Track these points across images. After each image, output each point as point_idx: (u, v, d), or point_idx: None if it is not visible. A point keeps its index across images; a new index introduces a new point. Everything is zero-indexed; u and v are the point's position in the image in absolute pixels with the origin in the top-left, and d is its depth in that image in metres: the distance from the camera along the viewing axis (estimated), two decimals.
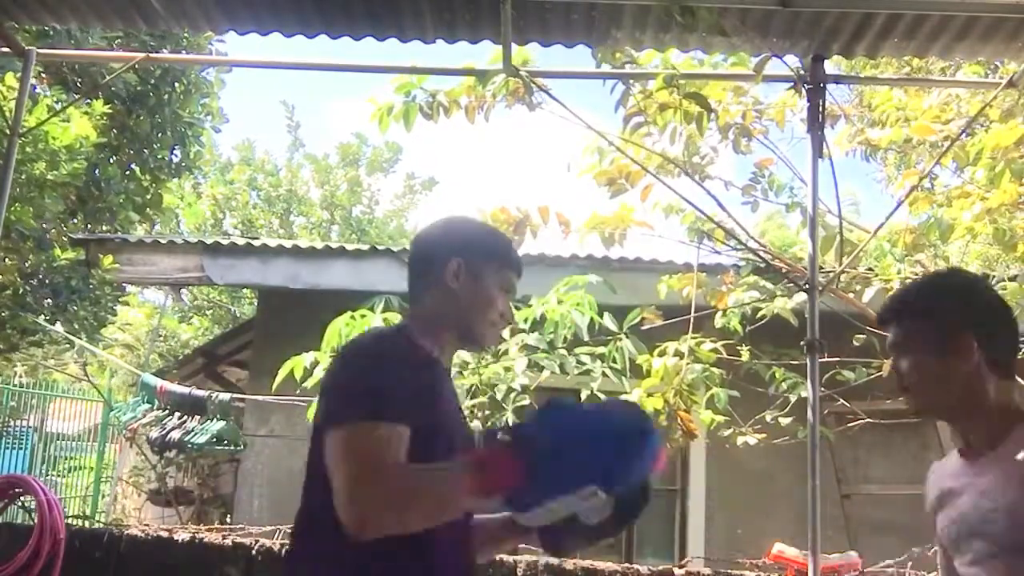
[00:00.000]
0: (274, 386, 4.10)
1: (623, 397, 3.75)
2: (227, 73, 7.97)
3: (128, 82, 6.51)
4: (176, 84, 7.11)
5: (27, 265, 5.23)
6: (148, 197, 7.23)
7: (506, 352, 3.77)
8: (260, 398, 5.79)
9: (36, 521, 4.14)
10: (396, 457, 1.30)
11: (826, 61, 3.33)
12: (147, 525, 5.78)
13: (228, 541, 4.30)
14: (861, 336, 3.95)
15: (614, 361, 3.75)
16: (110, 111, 5.93)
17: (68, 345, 7.18)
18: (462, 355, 3.61)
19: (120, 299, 6.49)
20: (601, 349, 3.81)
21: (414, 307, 1.61)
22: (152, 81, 6.90)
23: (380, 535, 1.25)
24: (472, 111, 3.62)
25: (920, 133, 4.08)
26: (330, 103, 35.97)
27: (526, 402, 3.75)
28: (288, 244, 6.63)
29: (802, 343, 3.20)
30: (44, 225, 5.33)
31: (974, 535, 1.41)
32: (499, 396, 3.74)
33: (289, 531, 1.49)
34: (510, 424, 1.38)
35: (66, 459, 10.04)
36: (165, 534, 4.43)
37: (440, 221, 1.72)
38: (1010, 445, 1.37)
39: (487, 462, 1.26)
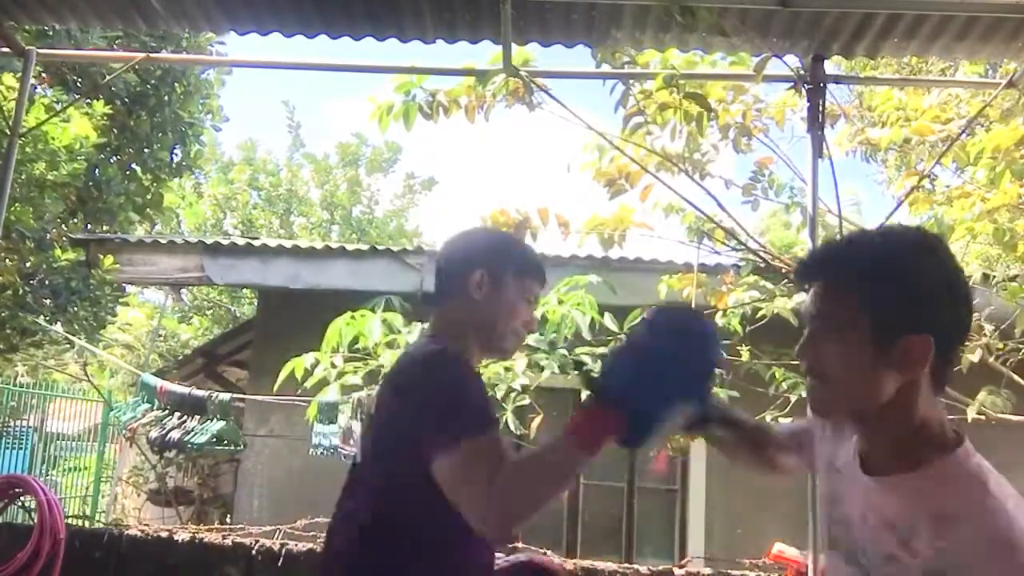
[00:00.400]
0: (275, 387, 4.10)
1: None
2: (227, 74, 7.97)
3: (128, 82, 6.51)
4: (176, 84, 7.12)
5: (27, 266, 5.23)
6: (148, 197, 7.23)
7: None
8: (260, 398, 5.79)
9: (36, 521, 4.14)
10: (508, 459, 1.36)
11: (826, 61, 3.33)
12: (147, 525, 5.78)
13: (228, 541, 4.31)
14: None
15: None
16: (110, 111, 5.93)
17: (68, 345, 7.18)
18: None
19: (120, 299, 6.49)
20: (601, 349, 3.81)
21: (440, 317, 1.66)
22: (152, 81, 6.90)
23: (519, 529, 1.38)
24: (472, 111, 3.63)
25: (920, 133, 4.08)
26: (330, 103, 35.99)
27: (526, 402, 3.75)
28: (288, 244, 6.63)
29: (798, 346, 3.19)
30: (44, 225, 5.33)
31: (849, 555, 1.18)
32: (499, 396, 3.74)
33: (336, 533, 1.55)
34: (592, 377, 1.37)
35: (66, 459, 10.03)
36: (165, 534, 4.44)
37: (465, 232, 1.77)
38: (926, 480, 1.07)
39: (582, 424, 1.31)
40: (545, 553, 4.83)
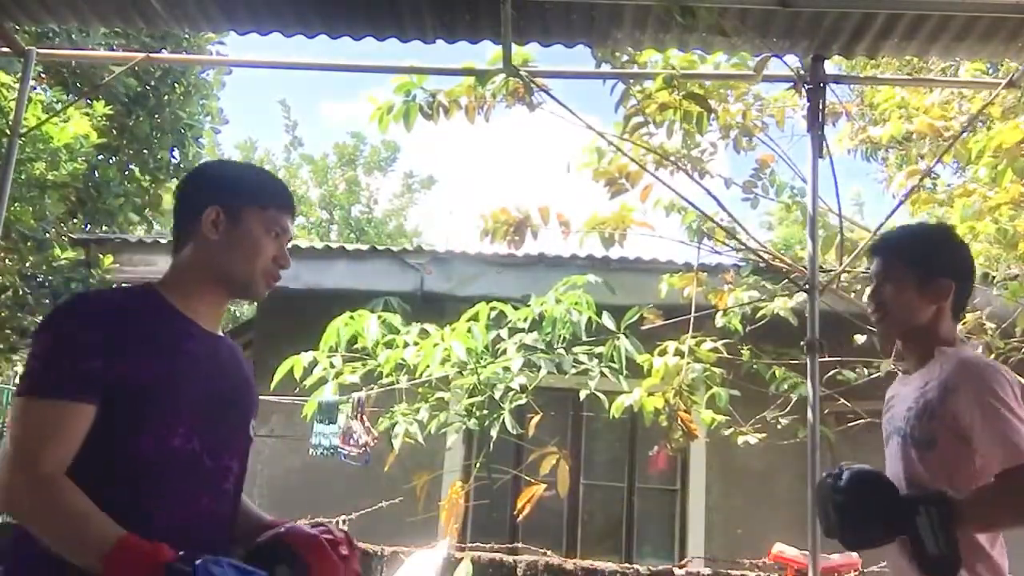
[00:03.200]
0: (272, 385, 4.10)
1: (623, 397, 3.75)
2: (227, 74, 7.98)
3: (127, 84, 6.51)
4: (176, 85, 7.12)
5: (27, 266, 5.23)
6: (147, 198, 7.24)
7: (504, 352, 3.77)
8: (260, 398, 5.78)
9: None
10: (63, 440, 1.25)
11: (826, 61, 3.33)
12: None
13: None
14: (861, 336, 3.95)
15: (612, 360, 3.75)
16: (110, 111, 5.93)
17: None
18: (459, 355, 3.61)
19: None
20: (600, 349, 3.81)
21: (174, 261, 1.51)
22: (152, 82, 6.90)
23: (9, 511, 1.28)
24: (472, 111, 3.62)
25: (925, 131, 4.08)
26: (330, 103, 35.97)
27: (522, 401, 3.75)
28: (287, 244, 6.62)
29: (802, 343, 3.20)
30: (44, 226, 5.33)
31: (895, 431, 1.78)
32: (497, 396, 3.73)
33: None
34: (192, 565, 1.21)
35: None
36: None
37: (197, 167, 1.62)
38: (931, 362, 1.74)
39: (129, 561, 1.19)
40: (545, 553, 4.83)
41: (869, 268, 1.92)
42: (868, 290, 1.88)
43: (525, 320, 3.75)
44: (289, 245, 1.57)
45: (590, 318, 3.68)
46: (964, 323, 3.94)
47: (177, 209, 1.52)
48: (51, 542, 1.24)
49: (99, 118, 5.63)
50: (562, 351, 3.72)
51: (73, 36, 5.93)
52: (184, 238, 1.49)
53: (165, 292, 1.45)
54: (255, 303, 7.77)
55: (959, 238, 1.93)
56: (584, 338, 3.71)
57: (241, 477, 1.50)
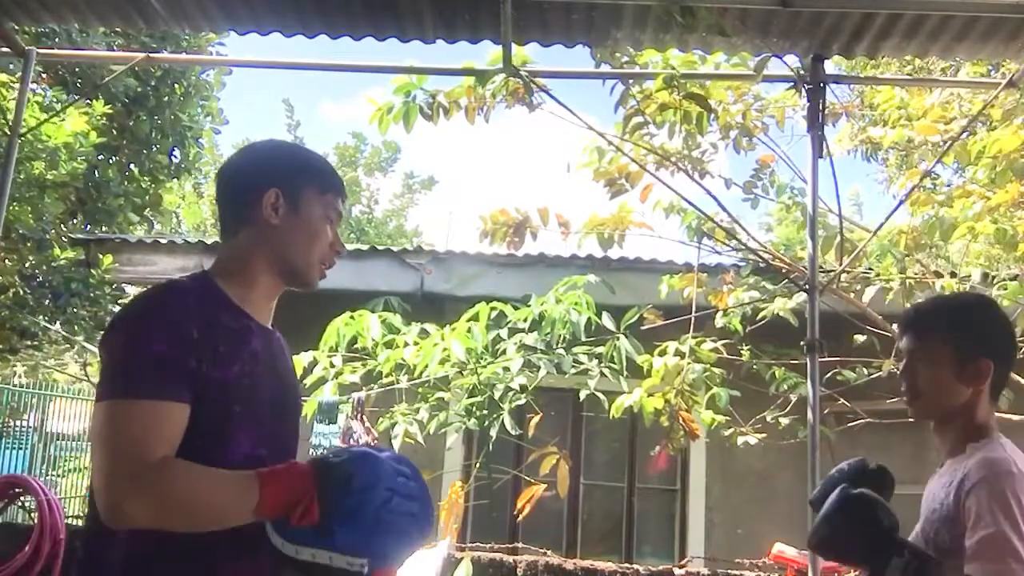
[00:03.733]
0: None
1: (623, 397, 3.75)
2: (228, 75, 7.98)
3: (127, 85, 6.51)
4: (176, 86, 7.12)
5: (27, 266, 5.23)
6: (147, 198, 7.24)
7: (504, 352, 3.77)
8: None
9: (36, 521, 4.14)
10: (160, 442, 1.17)
11: (826, 61, 3.33)
12: None
13: None
14: (861, 336, 3.95)
15: (612, 361, 3.75)
16: (110, 111, 5.93)
17: (68, 346, 7.18)
18: (459, 355, 3.61)
19: (119, 300, 6.48)
20: (599, 349, 3.81)
21: (225, 247, 1.41)
22: (152, 83, 6.90)
23: (132, 525, 1.16)
24: (472, 112, 3.62)
25: (924, 133, 4.07)
26: (329, 103, 35.99)
27: (522, 401, 3.75)
28: None
29: (802, 343, 3.20)
30: (44, 226, 5.33)
31: (921, 532, 1.62)
32: (497, 396, 3.73)
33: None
34: (329, 458, 1.22)
35: (66, 459, 10.03)
36: None
37: (248, 147, 1.51)
38: (961, 457, 1.56)
39: (284, 484, 1.17)
40: (545, 553, 4.83)
41: (900, 342, 1.76)
42: (900, 366, 1.74)
43: (525, 320, 3.75)
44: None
45: (590, 318, 3.68)
46: None
47: (228, 192, 1.42)
48: (195, 521, 1.17)
49: (98, 117, 5.63)
50: (562, 351, 3.72)
51: (73, 36, 5.93)
52: (237, 223, 1.39)
53: (222, 283, 1.36)
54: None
55: (999, 310, 1.73)
56: (584, 338, 3.71)
57: None
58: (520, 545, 5.03)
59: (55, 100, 5.97)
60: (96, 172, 6.52)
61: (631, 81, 3.59)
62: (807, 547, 1.69)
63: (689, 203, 3.88)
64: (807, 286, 3.25)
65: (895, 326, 3.87)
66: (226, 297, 1.34)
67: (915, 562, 1.46)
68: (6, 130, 3.72)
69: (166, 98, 7.04)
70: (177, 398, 1.19)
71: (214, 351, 1.24)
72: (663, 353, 3.81)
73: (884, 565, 1.46)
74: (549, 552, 4.91)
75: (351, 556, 1.18)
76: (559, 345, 3.71)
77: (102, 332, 1.32)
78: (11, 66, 5.08)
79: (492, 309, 3.77)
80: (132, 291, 10.42)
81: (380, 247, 6.41)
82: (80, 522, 6.90)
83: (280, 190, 1.37)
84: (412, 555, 1.26)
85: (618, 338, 3.74)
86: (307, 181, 1.40)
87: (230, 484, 1.18)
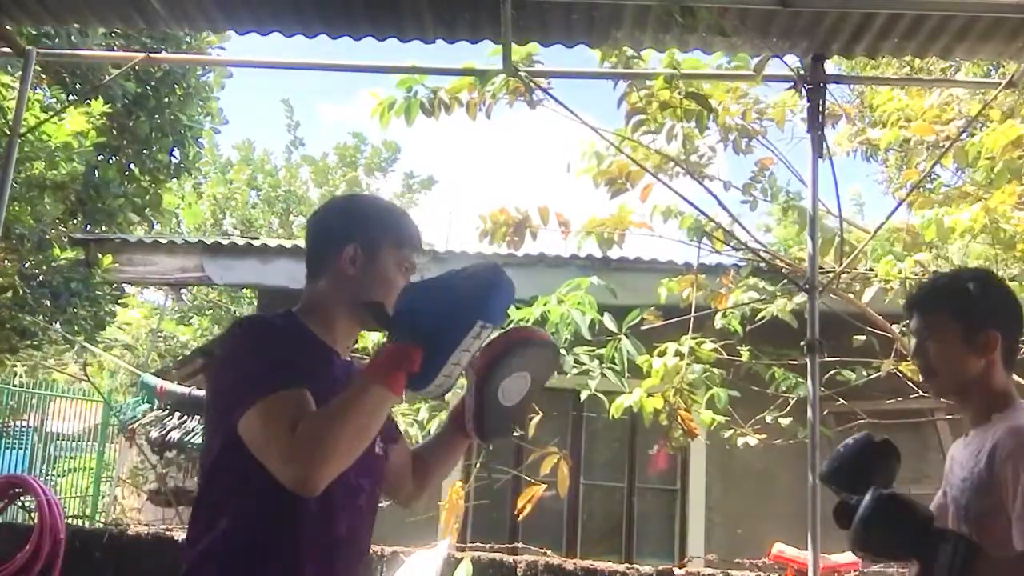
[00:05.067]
0: None
1: (623, 397, 3.75)
2: (228, 78, 7.97)
3: (127, 88, 6.50)
4: (176, 86, 7.11)
5: (27, 266, 5.22)
6: (147, 198, 7.23)
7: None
8: None
9: (36, 521, 4.14)
10: (306, 409, 1.33)
11: (826, 61, 3.33)
12: (147, 525, 5.78)
13: None
14: (861, 336, 3.95)
15: (613, 361, 3.75)
16: (110, 111, 5.92)
17: (68, 346, 7.18)
18: None
19: (119, 300, 6.49)
20: (601, 349, 3.81)
21: (308, 290, 1.58)
22: (152, 83, 6.90)
23: (326, 481, 1.29)
24: (474, 108, 3.62)
25: (920, 133, 4.08)
26: (329, 103, 35.96)
27: None
28: (288, 244, 6.62)
29: (802, 343, 3.20)
30: (43, 227, 5.33)
31: (952, 502, 1.66)
32: None
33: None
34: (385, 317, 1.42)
35: (66, 459, 10.03)
36: (165, 534, 4.44)
37: (335, 201, 1.72)
38: (987, 425, 1.62)
39: (376, 361, 1.33)
40: (545, 553, 4.83)
41: (907, 324, 1.82)
42: (912, 348, 1.79)
43: (527, 321, 3.75)
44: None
45: (593, 319, 3.68)
46: None
47: (313, 242, 1.60)
48: (355, 437, 1.31)
49: (98, 117, 5.62)
50: (563, 351, 3.72)
51: (73, 38, 5.92)
52: (320, 270, 1.56)
53: (304, 319, 1.53)
54: (260, 310, 7.76)
55: (1000, 281, 1.80)
56: (588, 338, 3.71)
57: (373, 493, 1.56)
58: (520, 545, 5.03)
59: (55, 100, 5.97)
60: (96, 172, 6.51)
61: (630, 80, 3.59)
62: (850, 551, 1.72)
63: (689, 203, 3.88)
64: (807, 286, 3.25)
65: (895, 326, 3.89)
66: (310, 331, 1.51)
67: (961, 543, 1.51)
68: (6, 130, 3.72)
69: (166, 99, 7.03)
70: (303, 386, 1.36)
71: (307, 367, 1.41)
72: (663, 353, 3.81)
73: (935, 553, 1.52)
74: (549, 552, 4.90)
75: (465, 346, 1.32)
76: (561, 346, 3.71)
77: (214, 358, 1.48)
78: (10, 66, 5.07)
79: None
80: (132, 291, 10.43)
81: None
82: (80, 522, 6.91)
83: (359, 245, 1.53)
84: (505, 300, 1.38)
85: (620, 339, 3.74)
86: (384, 236, 1.56)
87: (351, 396, 1.33)
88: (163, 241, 6.40)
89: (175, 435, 5.78)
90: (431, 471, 1.75)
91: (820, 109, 3.23)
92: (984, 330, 1.64)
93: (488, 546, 4.89)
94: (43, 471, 9.05)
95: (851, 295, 4.06)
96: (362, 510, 1.51)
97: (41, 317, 5.40)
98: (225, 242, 6.50)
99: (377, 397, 1.32)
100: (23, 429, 9.32)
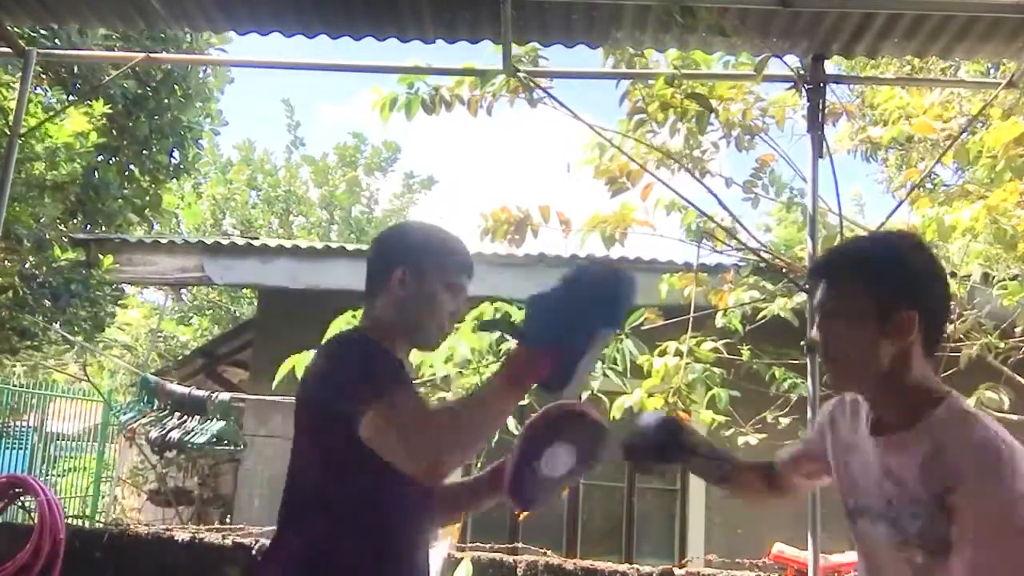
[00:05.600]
0: (274, 385, 4.10)
1: (623, 397, 3.75)
2: (229, 83, 7.96)
3: (127, 88, 6.49)
4: (176, 88, 7.10)
5: (27, 266, 5.22)
6: (147, 199, 7.22)
7: (507, 351, 3.77)
8: (260, 398, 5.79)
9: (36, 521, 4.14)
10: (429, 406, 1.45)
11: (826, 61, 3.33)
12: (147, 525, 5.78)
13: (228, 541, 4.31)
14: None
15: (614, 362, 3.75)
16: (110, 111, 5.92)
17: (68, 346, 7.18)
18: (463, 354, 3.62)
19: (119, 300, 6.48)
20: (603, 350, 3.81)
21: (367, 311, 1.70)
22: (152, 85, 6.89)
23: (452, 471, 1.39)
24: (474, 104, 3.62)
25: (921, 131, 4.07)
26: (329, 103, 35.96)
27: (524, 402, 3.74)
28: (288, 244, 6.63)
29: (802, 343, 3.20)
30: (43, 227, 5.33)
31: (877, 516, 1.38)
32: None
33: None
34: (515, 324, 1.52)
35: (66, 459, 10.02)
36: (165, 534, 4.44)
37: (388, 229, 1.86)
38: (923, 429, 1.32)
39: (511, 362, 1.41)
40: (545, 553, 4.83)
41: (813, 297, 1.52)
42: (814, 325, 1.47)
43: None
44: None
45: None
46: (963, 323, 3.95)
47: (370, 265, 1.74)
48: (482, 433, 1.41)
49: (98, 118, 5.62)
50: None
51: (73, 38, 5.92)
52: (376, 291, 1.69)
53: (373, 337, 1.64)
54: (260, 310, 7.77)
55: (925, 249, 1.44)
56: None
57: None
58: (520, 545, 5.03)
59: (55, 100, 5.97)
60: (96, 173, 6.50)
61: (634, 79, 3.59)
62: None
63: (689, 203, 3.88)
64: (807, 285, 3.25)
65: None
66: (383, 347, 1.61)
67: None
68: (6, 130, 3.72)
69: (166, 100, 7.02)
70: (412, 384, 1.51)
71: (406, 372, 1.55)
72: (663, 353, 3.81)
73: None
74: (549, 552, 4.90)
75: (589, 354, 1.40)
76: None
77: (307, 376, 1.58)
78: (11, 66, 5.07)
79: (496, 310, 3.77)
80: (132, 291, 10.42)
81: None
82: (80, 522, 6.91)
83: (407, 268, 1.64)
84: (626, 306, 1.46)
85: (621, 339, 3.74)
86: (431, 260, 1.67)
87: (485, 395, 1.43)
88: (163, 241, 6.40)
89: (175, 435, 5.78)
90: (447, 507, 1.79)
91: (820, 109, 3.23)
92: (900, 309, 1.33)
93: (488, 546, 4.89)
94: (43, 471, 9.04)
95: None
96: (428, 524, 1.65)
97: (41, 317, 5.40)
98: (225, 242, 6.50)
99: (507, 397, 1.41)
100: (23, 429, 9.31)
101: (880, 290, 1.35)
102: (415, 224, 1.98)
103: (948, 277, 1.46)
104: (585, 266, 1.53)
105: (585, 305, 1.38)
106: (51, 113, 5.07)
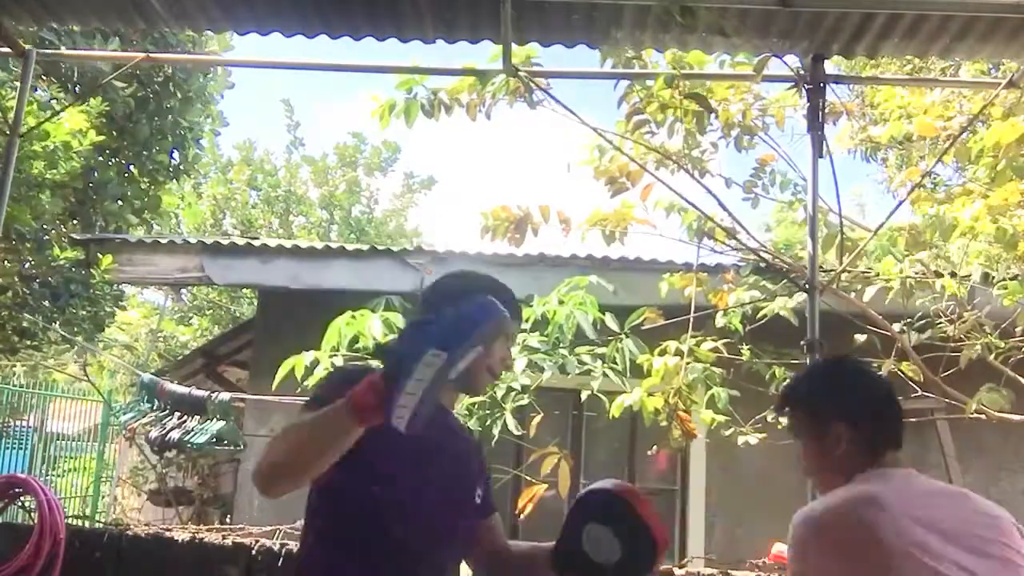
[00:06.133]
0: (274, 385, 4.10)
1: (623, 396, 3.75)
2: (230, 88, 7.95)
3: (126, 96, 6.49)
4: (176, 90, 7.10)
5: (27, 266, 5.22)
6: (146, 200, 7.22)
7: None
8: (260, 398, 5.79)
9: (36, 521, 4.14)
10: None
11: (826, 61, 3.33)
12: (147, 525, 5.77)
13: (228, 541, 4.30)
14: (861, 336, 3.95)
15: (614, 361, 3.75)
16: (108, 110, 5.92)
17: (68, 346, 7.18)
18: None
19: (119, 301, 6.48)
20: (602, 349, 3.81)
21: None
22: (154, 86, 6.89)
23: (280, 486, 1.43)
24: (473, 108, 3.62)
25: (922, 131, 4.07)
26: (329, 103, 35.95)
27: (524, 401, 3.75)
28: (288, 244, 6.62)
29: (802, 343, 3.20)
30: (43, 226, 5.33)
31: None
32: (499, 395, 3.73)
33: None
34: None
35: (66, 459, 10.03)
36: (165, 534, 4.43)
37: (433, 283, 1.81)
38: None
39: (355, 389, 1.34)
40: None
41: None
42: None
43: (528, 320, 3.75)
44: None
45: (595, 318, 3.67)
46: (963, 323, 3.94)
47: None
48: (310, 451, 1.40)
49: (95, 116, 5.61)
50: (565, 352, 3.72)
51: (75, 41, 5.91)
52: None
53: None
54: (260, 310, 7.77)
55: (856, 370, 1.84)
56: (591, 338, 3.70)
57: (456, 530, 1.71)
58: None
59: (53, 99, 5.97)
60: (96, 173, 6.50)
61: (631, 80, 3.59)
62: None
63: (689, 203, 3.88)
64: (807, 286, 3.25)
65: (896, 326, 3.88)
66: None
67: None
68: (6, 130, 3.71)
69: (167, 103, 7.02)
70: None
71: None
72: (663, 353, 3.81)
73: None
74: None
75: (417, 374, 1.25)
76: (563, 345, 3.70)
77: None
78: (11, 67, 5.07)
79: None
80: (132, 291, 10.42)
81: (380, 247, 6.41)
82: (80, 522, 6.89)
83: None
84: (468, 326, 1.33)
85: (621, 339, 3.73)
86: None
87: (319, 414, 1.39)
88: (163, 241, 6.39)
89: (175, 435, 5.77)
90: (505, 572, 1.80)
91: (820, 109, 3.23)
92: (830, 424, 1.68)
93: None
94: (43, 471, 9.04)
95: (851, 295, 4.06)
96: (442, 543, 1.63)
97: (41, 317, 5.40)
98: (225, 242, 6.50)
99: (337, 419, 1.34)
100: (23, 429, 9.32)
101: (816, 413, 1.74)
102: (453, 277, 1.92)
103: (882, 391, 1.77)
104: (439, 282, 1.54)
105: (417, 330, 1.34)
106: (50, 113, 5.06)
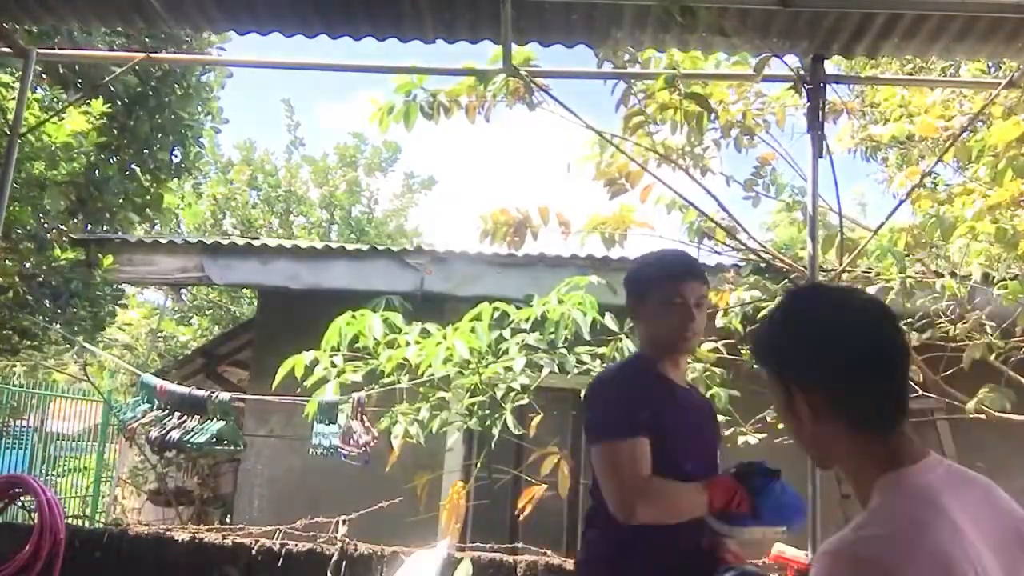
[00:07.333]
0: (274, 385, 4.10)
1: None
2: (228, 77, 7.95)
3: (127, 84, 6.49)
4: (176, 86, 7.10)
5: (27, 266, 5.22)
6: (148, 198, 7.22)
7: (506, 352, 3.77)
8: (260, 398, 5.79)
9: (36, 521, 4.14)
10: (646, 467, 1.88)
11: (826, 61, 3.33)
12: (147, 525, 5.78)
13: (228, 541, 4.31)
14: None
15: (614, 360, 3.75)
16: (109, 110, 5.92)
17: (68, 346, 7.18)
18: (463, 354, 3.62)
19: (119, 300, 6.48)
20: (602, 349, 3.81)
21: (639, 336, 2.18)
22: (153, 83, 6.89)
23: (642, 523, 1.86)
24: (472, 110, 3.62)
25: (924, 131, 4.07)
26: (329, 103, 35.95)
27: (524, 401, 3.75)
28: (288, 244, 6.62)
29: None
30: (44, 225, 5.33)
31: None
32: (498, 396, 3.73)
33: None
34: (744, 464, 2.05)
35: (66, 459, 10.03)
36: (165, 534, 4.44)
37: (634, 263, 2.27)
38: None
39: (718, 484, 1.93)
40: (545, 553, 4.83)
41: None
42: None
43: (527, 320, 3.75)
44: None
45: (593, 318, 3.67)
46: (964, 323, 3.94)
47: (625, 298, 2.14)
48: (676, 516, 1.91)
49: (97, 117, 5.61)
50: (564, 351, 3.72)
51: (75, 37, 5.91)
52: (632, 319, 2.20)
53: (650, 356, 2.11)
54: (260, 310, 7.77)
55: (814, 304, 1.25)
56: (587, 338, 3.70)
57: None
58: (520, 545, 5.02)
59: (55, 100, 5.96)
60: (96, 171, 6.50)
61: (631, 80, 3.59)
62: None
63: (690, 203, 3.88)
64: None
65: None
66: (654, 371, 2.06)
67: None
68: (6, 130, 3.72)
69: (167, 98, 7.01)
70: (637, 436, 1.91)
71: (648, 415, 1.93)
72: None
73: None
74: (549, 552, 4.90)
75: (774, 527, 2.00)
76: (562, 345, 3.71)
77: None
78: (12, 65, 5.06)
79: (495, 309, 3.77)
80: (132, 291, 10.41)
81: (380, 247, 6.41)
82: (80, 522, 6.90)
83: (638, 295, 2.09)
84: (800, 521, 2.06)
85: (621, 339, 3.74)
86: (651, 280, 2.08)
87: (691, 491, 1.92)
88: (163, 241, 6.39)
89: (175, 435, 5.76)
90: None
91: (820, 109, 3.23)
92: (792, 389, 1.17)
93: (488, 546, 4.88)
94: (43, 471, 9.04)
95: None
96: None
97: (41, 317, 5.39)
98: (225, 242, 6.50)
99: (700, 504, 1.90)
100: (23, 429, 9.32)
101: (779, 370, 1.20)
102: (643, 257, 2.29)
103: (851, 332, 1.16)
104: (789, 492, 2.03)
105: (783, 507, 1.99)
106: (51, 113, 5.06)
